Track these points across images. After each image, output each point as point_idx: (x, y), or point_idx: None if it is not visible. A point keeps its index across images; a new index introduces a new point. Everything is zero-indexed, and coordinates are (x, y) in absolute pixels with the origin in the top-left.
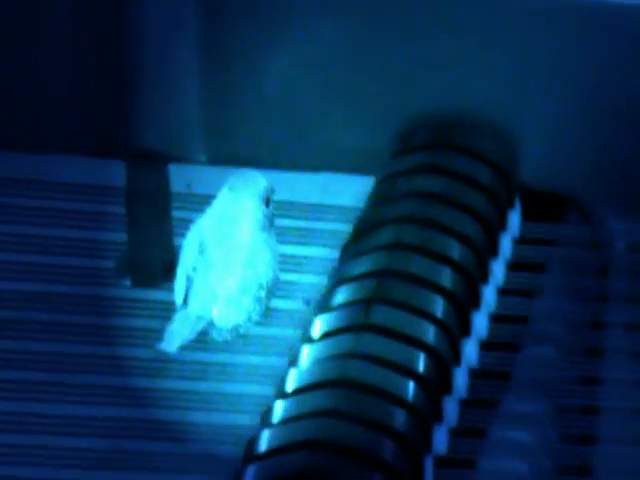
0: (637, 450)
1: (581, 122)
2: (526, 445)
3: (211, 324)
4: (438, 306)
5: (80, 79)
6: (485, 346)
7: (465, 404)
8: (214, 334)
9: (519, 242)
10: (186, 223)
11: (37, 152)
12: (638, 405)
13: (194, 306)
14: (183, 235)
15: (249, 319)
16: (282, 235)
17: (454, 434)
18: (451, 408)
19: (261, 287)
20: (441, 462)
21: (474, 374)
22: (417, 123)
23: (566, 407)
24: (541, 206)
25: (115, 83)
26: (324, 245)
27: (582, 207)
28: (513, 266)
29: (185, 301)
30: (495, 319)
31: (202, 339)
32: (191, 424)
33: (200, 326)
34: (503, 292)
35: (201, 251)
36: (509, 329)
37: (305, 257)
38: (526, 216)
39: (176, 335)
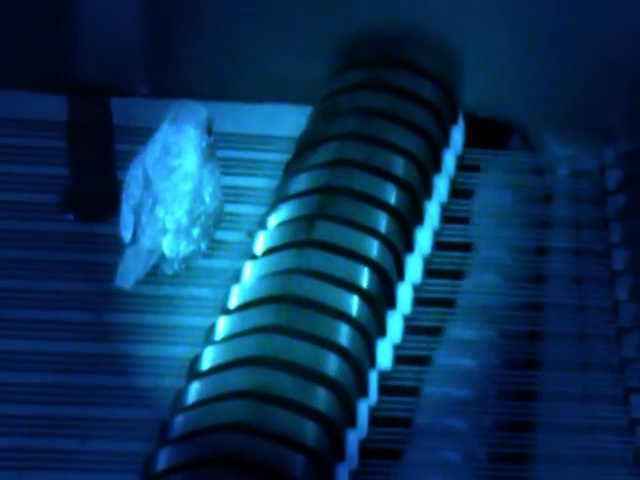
0: (580, 374)
1: (524, 48)
2: (471, 371)
3: (162, 257)
4: (381, 222)
5: (19, 12)
6: (429, 273)
7: (410, 331)
8: (165, 267)
9: (463, 169)
10: (129, 156)
11: None
12: (581, 330)
13: (144, 241)
14: (126, 168)
15: (198, 250)
16: (225, 167)
17: (399, 361)
18: (395, 324)
19: (209, 217)
20: (386, 389)
21: (418, 301)
22: (359, 40)
23: (510, 333)
24: (484, 133)
25: (55, 16)
26: (268, 176)
27: (525, 133)
28: (457, 193)
29: (134, 237)
30: (439, 246)
31: (149, 272)
32: (135, 357)
33: (152, 260)
34: (447, 219)
35: (146, 186)
36: (453, 256)
37: (249, 188)
38: (469, 143)
39: (130, 271)
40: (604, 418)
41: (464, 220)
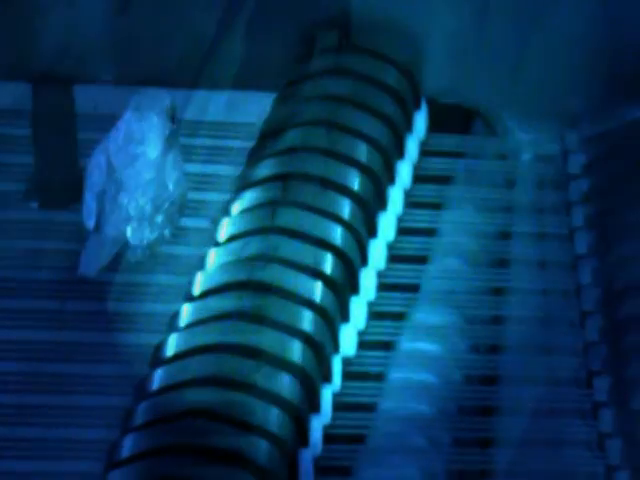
0: (542, 357)
1: (485, 32)
2: (435, 356)
3: (126, 245)
4: (345, 208)
5: None
6: (393, 258)
7: (374, 316)
8: (129, 255)
9: (426, 154)
10: (92, 144)
11: None
12: (544, 314)
13: (108, 229)
14: (89, 156)
15: (162, 237)
16: (189, 154)
17: (363, 347)
18: (359, 309)
19: (173, 204)
20: (349, 375)
21: (382, 286)
22: (322, 27)
23: (474, 318)
24: (447, 118)
25: (17, 4)
26: (231, 163)
27: (488, 118)
28: (420, 179)
29: (98, 224)
30: (403, 232)
31: (113, 259)
32: (99, 344)
33: (116, 248)
34: (411, 205)
35: (110, 173)
36: (417, 241)
37: (212, 175)
38: (433, 128)
39: (93, 259)
40: (568, 402)
41: (427, 205)
